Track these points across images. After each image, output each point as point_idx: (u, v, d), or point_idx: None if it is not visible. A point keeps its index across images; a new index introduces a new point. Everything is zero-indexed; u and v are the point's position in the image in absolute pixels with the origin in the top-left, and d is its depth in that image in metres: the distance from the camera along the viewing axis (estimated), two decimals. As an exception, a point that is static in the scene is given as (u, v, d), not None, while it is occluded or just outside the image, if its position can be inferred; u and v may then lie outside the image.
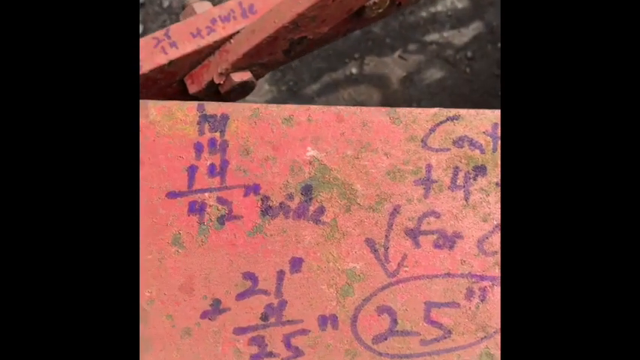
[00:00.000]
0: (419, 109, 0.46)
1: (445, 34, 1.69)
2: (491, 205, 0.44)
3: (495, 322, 0.41)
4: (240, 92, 0.68)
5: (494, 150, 0.45)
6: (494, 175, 0.44)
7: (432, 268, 0.42)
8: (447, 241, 0.43)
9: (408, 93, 1.62)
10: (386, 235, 0.42)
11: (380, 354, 0.39)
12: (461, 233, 0.43)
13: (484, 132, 0.45)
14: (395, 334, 0.40)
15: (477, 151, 0.45)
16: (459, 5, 1.72)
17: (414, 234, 0.43)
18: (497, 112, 0.46)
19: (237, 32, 0.67)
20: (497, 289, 0.42)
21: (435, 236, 0.43)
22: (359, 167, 0.44)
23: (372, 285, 0.41)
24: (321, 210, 0.43)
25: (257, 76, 0.70)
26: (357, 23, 0.76)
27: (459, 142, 0.45)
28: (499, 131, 0.45)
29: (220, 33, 0.66)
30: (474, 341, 0.40)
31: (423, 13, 1.72)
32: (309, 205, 0.43)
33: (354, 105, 1.60)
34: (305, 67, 1.70)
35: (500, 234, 0.43)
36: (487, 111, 0.46)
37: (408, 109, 0.46)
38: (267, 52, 0.67)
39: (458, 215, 0.43)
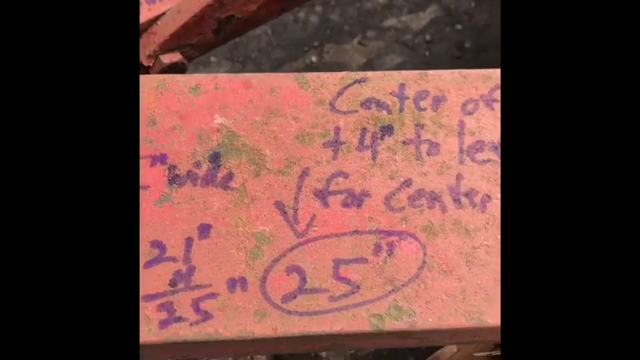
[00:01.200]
0: (327, 74, 0.46)
1: (403, 19, 1.70)
2: (398, 162, 0.44)
3: (403, 275, 0.42)
4: (171, 74, 0.68)
5: (401, 110, 0.46)
6: (401, 134, 0.45)
7: (341, 227, 0.42)
8: (355, 199, 0.43)
9: (368, 79, 1.62)
10: (295, 197, 0.43)
11: (289, 312, 0.40)
12: (369, 191, 0.43)
13: (391, 93, 0.46)
14: (304, 292, 0.40)
15: (384, 112, 0.45)
16: (416, -11, 1.72)
17: (322, 195, 0.43)
18: (404, 73, 0.47)
19: (164, 14, 0.67)
20: (404, 243, 0.42)
21: (343, 196, 0.43)
22: (268, 132, 0.44)
23: (282, 246, 0.42)
24: (230, 176, 0.43)
25: (189, 58, 0.70)
26: (291, 2, 0.76)
27: (366, 103, 0.46)
28: (406, 91, 0.46)
29: (146, 15, 0.66)
30: (382, 294, 0.41)
31: (380, -1, 1.73)
32: (217, 172, 0.43)
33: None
34: (265, 58, 1.69)
35: (408, 189, 0.44)
36: (394, 72, 0.47)
37: (316, 73, 0.46)
38: (196, 32, 0.67)
39: (366, 174, 0.44)
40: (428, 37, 1.65)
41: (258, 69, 1.64)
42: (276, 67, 1.66)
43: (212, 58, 1.66)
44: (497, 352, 0.56)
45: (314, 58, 1.65)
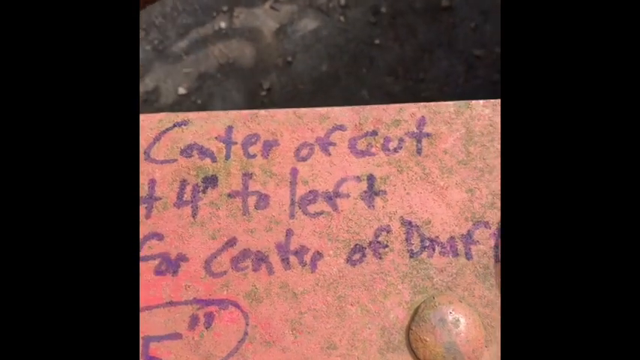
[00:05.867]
0: (142, 116, 0.41)
1: (317, -19, 1.62)
2: (222, 219, 0.40)
3: (221, 350, 0.38)
4: None
5: (228, 157, 0.41)
6: (227, 185, 0.40)
7: (153, 298, 0.38)
8: (171, 265, 0.39)
9: (282, 46, 1.56)
10: (100, 266, 0.38)
11: (90, 402, 0.36)
12: (186, 255, 0.39)
13: (216, 137, 0.41)
14: (107, 378, 0.36)
15: (208, 160, 0.41)
16: (329, -51, 1.65)
17: (133, 261, 0.38)
18: (232, 113, 0.42)
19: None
20: (225, 313, 0.39)
21: (156, 261, 0.39)
22: (69, 190, 0.39)
23: (83, 325, 0.37)
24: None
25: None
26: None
27: (187, 150, 0.40)
28: (234, 135, 0.41)
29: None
30: (197, 373, 0.37)
31: (292, -40, 1.64)
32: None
33: (227, 63, 1.52)
34: (170, 24, 1.59)
35: (232, 250, 0.40)
36: (220, 113, 0.41)
37: (129, 116, 0.40)
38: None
39: (184, 235, 0.39)
40: (342, 1, 1.59)
41: (164, 36, 1.53)
42: (183, 34, 1.55)
43: (111, 25, 1.54)
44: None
45: (223, 24, 1.56)
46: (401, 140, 0.42)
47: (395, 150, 0.42)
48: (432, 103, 0.43)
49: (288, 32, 1.55)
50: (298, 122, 0.42)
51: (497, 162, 0.40)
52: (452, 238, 0.41)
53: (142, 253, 0.39)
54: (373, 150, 0.42)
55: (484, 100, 0.42)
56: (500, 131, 0.40)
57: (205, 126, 0.41)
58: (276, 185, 0.41)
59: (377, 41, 1.56)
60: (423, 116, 0.43)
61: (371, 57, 1.55)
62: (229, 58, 1.54)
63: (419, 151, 0.42)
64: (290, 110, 0.42)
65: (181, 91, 1.51)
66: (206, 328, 0.38)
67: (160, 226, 0.39)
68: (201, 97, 1.50)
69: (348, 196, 0.41)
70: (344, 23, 1.57)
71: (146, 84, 1.52)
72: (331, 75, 1.55)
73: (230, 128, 0.41)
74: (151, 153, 0.40)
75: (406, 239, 0.41)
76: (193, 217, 0.39)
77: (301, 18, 1.58)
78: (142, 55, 1.53)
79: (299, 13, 1.58)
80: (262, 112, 0.42)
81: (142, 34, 1.53)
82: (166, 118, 0.41)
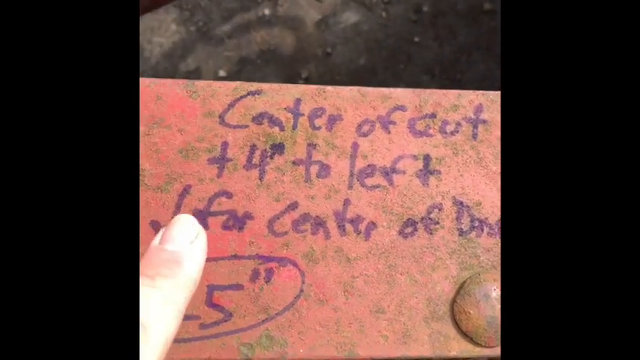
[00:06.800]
0: (219, 83, 0.44)
1: (362, -25, 1.64)
2: (286, 184, 0.43)
3: (278, 303, 0.41)
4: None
5: (295, 127, 0.44)
6: (292, 153, 0.43)
7: (219, 251, 0.41)
8: (237, 222, 0.42)
9: (322, 37, 1.58)
10: (173, 217, 0.41)
11: (157, 339, 0.39)
12: (252, 214, 0.42)
13: (285, 108, 0.44)
14: (174, 319, 0.39)
15: (277, 128, 0.43)
16: (377, -55, 1.66)
17: (202, 215, 0.41)
18: (301, 87, 0.44)
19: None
20: (283, 270, 0.42)
21: (225, 217, 0.42)
22: (149, 145, 0.42)
23: (154, 269, 0.40)
24: (104, 191, 0.41)
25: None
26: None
27: (258, 118, 0.43)
28: (301, 107, 0.44)
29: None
30: (255, 323, 0.40)
31: (339, -47, 1.66)
32: (91, 186, 0.40)
33: (267, 49, 1.55)
34: (215, 7, 1.62)
35: (293, 213, 0.42)
36: (290, 85, 0.44)
37: (207, 82, 0.43)
38: None
39: (250, 195, 0.42)
40: (386, -3, 1.61)
41: (208, 18, 1.57)
42: (227, 18, 1.59)
43: (159, 4, 1.57)
44: None
45: (267, 11, 1.59)
46: (458, 124, 0.45)
47: (452, 133, 0.44)
48: (490, 92, 0.46)
49: (330, 24, 1.57)
50: (362, 100, 0.44)
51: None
52: (500, 220, 0.43)
53: (211, 209, 0.42)
54: (431, 131, 0.44)
55: (541, 93, 0.43)
56: None
57: (276, 97, 0.44)
58: (338, 157, 0.43)
59: (416, 39, 1.58)
60: (480, 103, 0.45)
61: (409, 54, 1.57)
62: (270, 45, 1.57)
63: (474, 136, 0.45)
64: (355, 88, 0.45)
65: (221, 73, 1.54)
66: (266, 282, 0.41)
67: (230, 185, 0.42)
68: (240, 81, 1.53)
69: (404, 172, 0.44)
70: (385, 19, 1.58)
71: (188, 64, 1.56)
72: (368, 69, 1.57)
73: (298, 101, 0.44)
74: (226, 118, 0.43)
75: (457, 218, 0.43)
76: (260, 179, 0.42)
77: (344, 11, 1.60)
78: (186, 36, 1.57)
79: (342, 6, 1.60)
80: (329, 88, 0.44)
81: (186, 14, 1.57)
82: (240, 87, 0.44)
